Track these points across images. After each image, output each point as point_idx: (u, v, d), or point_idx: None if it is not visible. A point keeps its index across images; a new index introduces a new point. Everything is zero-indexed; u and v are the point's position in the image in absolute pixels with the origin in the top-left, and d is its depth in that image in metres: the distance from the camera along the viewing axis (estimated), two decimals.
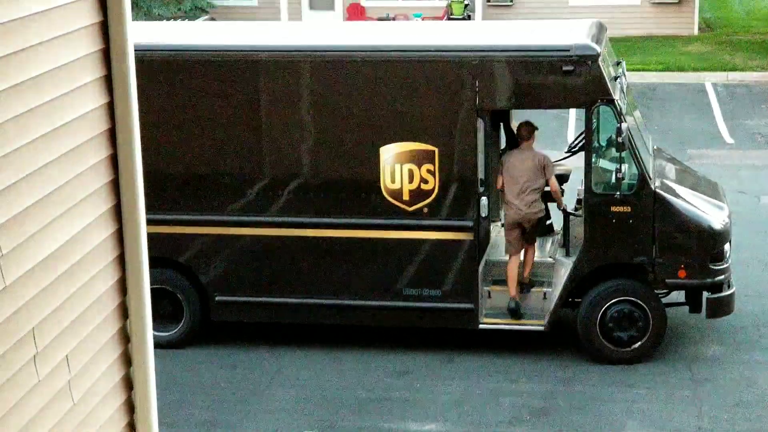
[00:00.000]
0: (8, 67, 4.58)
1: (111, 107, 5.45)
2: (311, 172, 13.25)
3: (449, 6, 31.11)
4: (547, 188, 13.51)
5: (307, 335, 14.00)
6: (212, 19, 30.33)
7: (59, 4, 4.96)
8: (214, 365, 13.45)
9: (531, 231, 13.49)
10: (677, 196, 13.26)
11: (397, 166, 13.04)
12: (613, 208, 12.87)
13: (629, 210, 12.88)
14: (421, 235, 13.18)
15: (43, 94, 4.86)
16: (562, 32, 13.58)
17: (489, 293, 13.52)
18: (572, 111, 22.26)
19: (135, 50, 5.53)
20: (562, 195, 13.75)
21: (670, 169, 14.22)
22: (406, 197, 13.10)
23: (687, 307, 13.60)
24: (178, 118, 13.25)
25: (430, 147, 12.97)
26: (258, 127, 13.20)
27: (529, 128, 13.49)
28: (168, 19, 28.54)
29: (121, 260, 5.61)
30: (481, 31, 15.46)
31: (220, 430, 12.06)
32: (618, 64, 13.72)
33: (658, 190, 12.97)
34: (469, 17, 30.60)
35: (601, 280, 13.19)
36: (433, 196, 13.07)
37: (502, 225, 14.42)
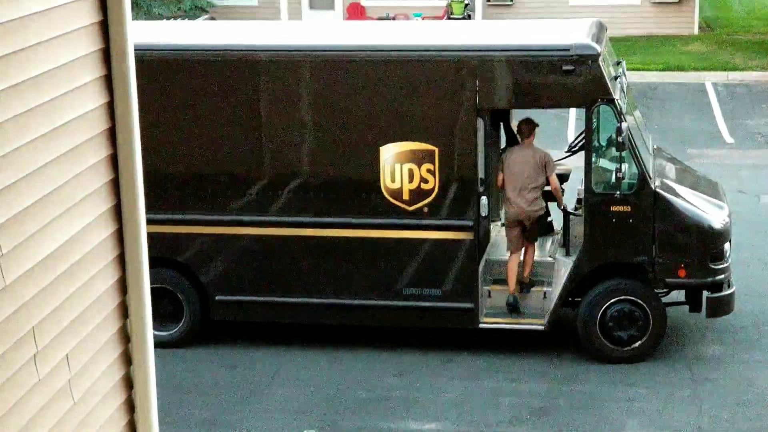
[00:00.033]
0: (8, 67, 4.58)
1: (111, 107, 5.45)
2: (311, 172, 13.25)
3: (449, 5, 31.10)
4: (547, 187, 13.51)
5: (307, 335, 14.00)
6: (212, 18, 30.33)
7: (59, 4, 4.96)
8: (214, 365, 13.45)
9: (531, 229, 13.49)
10: (677, 195, 13.26)
11: (397, 165, 13.04)
12: (613, 208, 12.87)
13: (629, 209, 12.88)
14: (421, 234, 13.18)
15: (43, 94, 4.86)
16: (562, 32, 13.58)
17: (489, 293, 13.52)
18: (572, 110, 22.25)
19: (135, 50, 5.53)
20: (562, 194, 13.75)
21: (670, 169, 14.22)
22: (406, 197, 13.10)
23: (687, 307, 13.60)
24: (179, 117, 13.25)
25: (430, 146, 12.97)
26: (258, 127, 13.20)
27: (529, 125, 13.50)
28: (168, 18, 28.54)
29: (121, 260, 5.62)
30: (481, 30, 15.45)
31: (220, 429, 12.06)
32: (618, 63, 13.72)
33: (658, 190, 12.98)
34: (469, 17, 30.60)
35: (602, 280, 13.19)
36: (433, 195, 13.07)
37: (502, 224, 14.42)
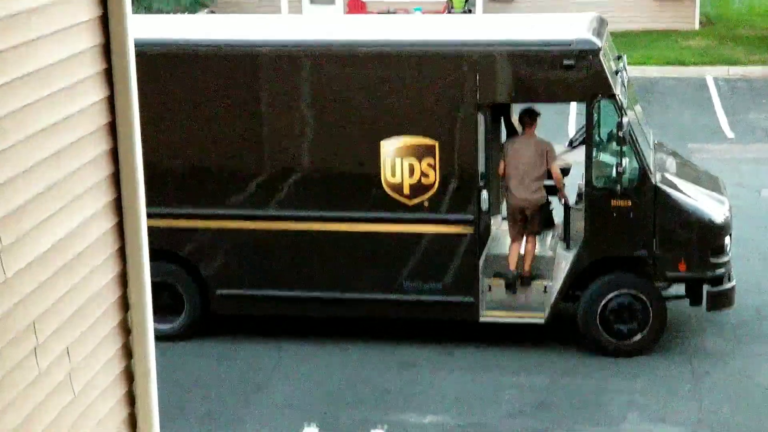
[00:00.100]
0: (8, 62, 4.59)
1: (111, 101, 5.46)
2: (312, 166, 13.26)
3: (449, 0, 31.07)
4: (548, 182, 13.51)
5: (308, 328, 14.02)
6: (212, 12, 30.32)
7: None
8: (214, 358, 13.47)
9: (533, 220, 13.49)
10: (678, 189, 13.27)
11: (398, 160, 13.04)
12: (614, 202, 12.88)
13: (630, 204, 12.89)
14: (422, 228, 13.19)
15: (43, 88, 4.87)
16: (563, 26, 13.58)
17: (489, 286, 13.53)
18: (573, 105, 22.24)
19: (135, 44, 5.54)
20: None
21: (671, 163, 14.22)
22: (406, 191, 13.11)
23: (687, 301, 13.61)
24: (179, 111, 13.25)
25: (430, 141, 12.98)
26: (259, 121, 13.21)
27: (532, 115, 13.50)
28: (168, 12, 28.52)
29: (122, 253, 5.63)
30: (481, 25, 15.45)
31: (219, 422, 12.08)
32: (619, 58, 13.72)
33: (658, 184, 12.98)
34: (469, 11, 30.58)
35: (602, 274, 13.21)
36: (434, 190, 13.08)
37: (503, 219, 14.43)
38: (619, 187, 12.79)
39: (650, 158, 13.33)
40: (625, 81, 13.28)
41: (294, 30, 14.42)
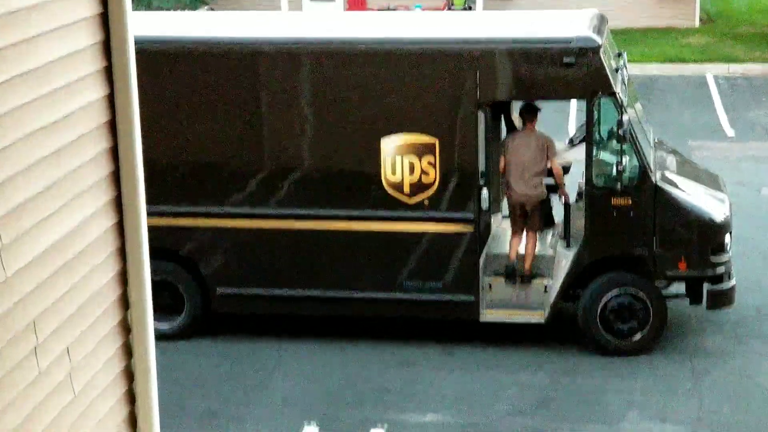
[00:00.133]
0: (8, 59, 4.57)
1: (111, 99, 5.44)
2: (312, 164, 13.24)
3: None
4: (548, 180, 13.49)
5: (308, 327, 14.00)
6: (212, 9, 30.30)
7: None
8: (214, 357, 13.45)
9: (533, 216, 13.46)
10: (678, 188, 13.26)
11: (398, 158, 13.03)
12: (614, 201, 12.87)
13: (630, 202, 12.87)
14: (422, 227, 13.18)
15: (43, 86, 4.85)
16: (563, 24, 13.56)
17: (490, 285, 13.52)
18: (573, 103, 22.23)
19: (135, 42, 5.52)
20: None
21: (671, 162, 14.20)
22: (407, 189, 13.09)
23: (687, 299, 13.59)
24: (179, 109, 13.23)
25: (430, 139, 12.96)
26: (259, 119, 13.19)
27: (532, 111, 13.48)
28: (168, 9, 28.51)
29: (122, 252, 5.61)
30: (482, 22, 15.43)
31: (220, 421, 12.07)
32: (619, 55, 13.70)
33: (659, 183, 12.97)
34: (470, 8, 30.56)
35: (602, 272, 13.19)
36: (434, 188, 13.06)
37: (504, 217, 14.41)
38: (619, 186, 12.77)
39: (650, 156, 13.31)
40: (626, 78, 13.26)
41: (294, 27, 14.40)
